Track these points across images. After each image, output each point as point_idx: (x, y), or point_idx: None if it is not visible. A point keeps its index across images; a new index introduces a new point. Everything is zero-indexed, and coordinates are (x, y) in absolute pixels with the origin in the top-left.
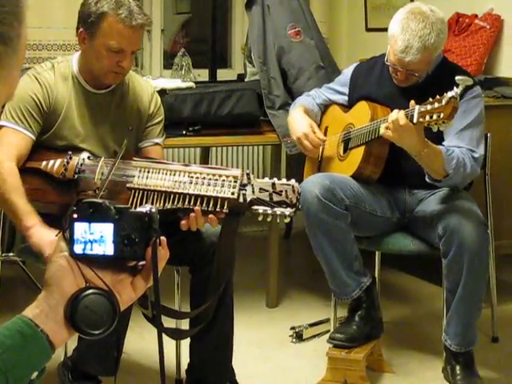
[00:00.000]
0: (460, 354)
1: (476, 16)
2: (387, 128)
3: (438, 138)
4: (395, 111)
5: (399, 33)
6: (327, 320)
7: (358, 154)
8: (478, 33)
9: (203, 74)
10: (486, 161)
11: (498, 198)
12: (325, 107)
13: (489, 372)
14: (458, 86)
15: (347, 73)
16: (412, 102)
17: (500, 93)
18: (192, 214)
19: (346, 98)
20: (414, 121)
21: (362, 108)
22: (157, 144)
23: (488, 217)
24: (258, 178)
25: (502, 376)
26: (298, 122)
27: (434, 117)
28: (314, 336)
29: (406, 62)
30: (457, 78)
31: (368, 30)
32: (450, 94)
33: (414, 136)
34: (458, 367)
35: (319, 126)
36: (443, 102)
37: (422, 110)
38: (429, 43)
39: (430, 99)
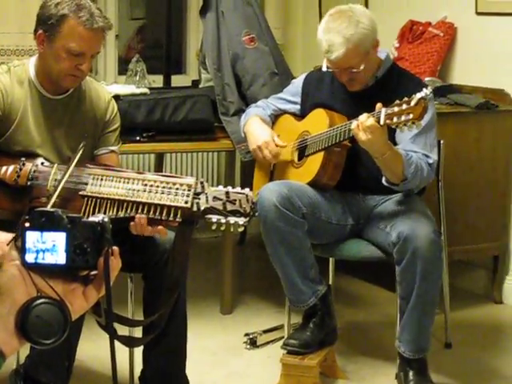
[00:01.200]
0: (413, 361)
1: (430, 24)
2: (358, 130)
3: (391, 142)
4: (364, 114)
5: (322, 35)
6: (281, 326)
7: (315, 161)
8: (432, 40)
9: (158, 80)
10: (439, 167)
11: (451, 204)
12: (275, 117)
13: (442, 378)
14: (426, 87)
15: (298, 82)
16: (379, 105)
17: (453, 100)
18: (136, 221)
19: (299, 107)
20: (381, 122)
21: (319, 115)
22: (112, 152)
23: (441, 223)
24: (212, 184)
25: (455, 382)
26: (259, 131)
27: (403, 118)
28: (268, 342)
29: (334, 60)
30: (426, 79)
31: None
32: (419, 95)
33: (380, 138)
34: (411, 373)
35: None
36: (412, 103)
37: (389, 111)
38: (348, 35)
39: (397, 101)
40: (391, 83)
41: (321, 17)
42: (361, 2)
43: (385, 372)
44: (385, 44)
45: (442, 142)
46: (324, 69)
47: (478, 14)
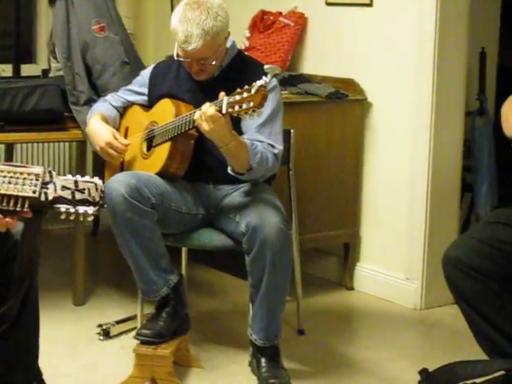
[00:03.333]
0: (265, 348)
1: (280, 14)
2: (201, 120)
3: (236, 132)
4: (206, 104)
5: (178, 25)
6: (134, 317)
7: (163, 151)
8: (283, 30)
9: (7, 70)
10: (289, 156)
11: (303, 192)
12: (124, 109)
13: (295, 364)
14: (266, 74)
15: (145, 73)
16: (221, 94)
17: (304, 89)
18: None
19: (146, 98)
20: (223, 111)
21: (165, 105)
22: None
23: (292, 212)
24: (64, 175)
25: (307, 367)
26: (99, 131)
27: (244, 106)
28: (122, 333)
29: (190, 52)
30: (265, 66)
31: None
32: (259, 82)
33: (223, 127)
34: (263, 360)
35: (119, 128)
36: (252, 91)
37: (231, 100)
38: (207, 27)
39: (239, 89)
40: (236, 71)
41: (172, 6)
42: None
43: (238, 360)
44: (236, 33)
45: (292, 131)
46: (175, 57)
47: (328, 4)
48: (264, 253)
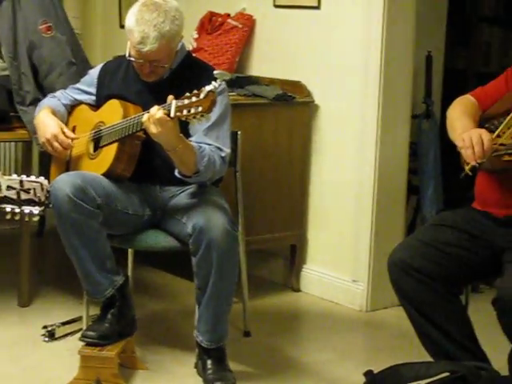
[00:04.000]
0: (211, 350)
1: (229, 15)
2: (149, 123)
3: (184, 134)
4: (154, 107)
5: (134, 25)
6: (80, 318)
7: (110, 151)
8: (231, 32)
9: None
10: (236, 158)
11: (249, 194)
12: (72, 107)
13: (241, 366)
14: (215, 79)
15: (94, 73)
16: (170, 97)
17: (251, 91)
18: None
19: (94, 97)
20: (172, 115)
21: (113, 106)
22: None
23: (238, 214)
24: (8, 175)
25: (253, 369)
26: (46, 123)
27: (192, 110)
28: (67, 335)
29: (145, 53)
30: (215, 72)
31: (122, 26)
32: (208, 87)
33: (171, 131)
34: (209, 362)
35: (66, 126)
36: (201, 96)
37: (179, 104)
38: (164, 31)
39: (187, 93)
40: (185, 74)
41: (120, 6)
42: None
43: (184, 362)
44: (184, 35)
45: (239, 132)
46: (127, 57)
47: (276, 6)
48: (210, 254)
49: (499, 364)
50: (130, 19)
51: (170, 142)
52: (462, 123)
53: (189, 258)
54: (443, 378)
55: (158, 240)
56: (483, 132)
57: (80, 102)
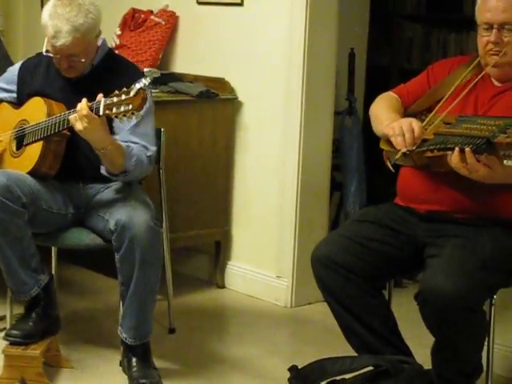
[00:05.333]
0: (136, 347)
1: (151, 12)
2: (75, 120)
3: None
4: (82, 102)
5: (48, 19)
6: (3, 317)
7: (34, 150)
8: (154, 29)
9: None
10: (160, 155)
11: (174, 191)
12: None
13: (166, 363)
14: (146, 77)
15: (14, 70)
16: (99, 95)
17: (174, 88)
18: None
19: (15, 95)
20: (100, 113)
21: (37, 104)
22: None
23: (162, 211)
24: None
25: (178, 366)
26: None
27: (122, 108)
28: None
29: (59, 47)
30: (145, 69)
31: None
32: (138, 85)
33: (99, 128)
34: (134, 359)
35: None
36: (131, 94)
37: (108, 102)
38: (78, 24)
39: (117, 91)
40: (107, 70)
41: (42, 3)
42: None
43: (109, 359)
44: (106, 31)
45: (162, 130)
46: (44, 53)
47: (199, 3)
48: (133, 250)
49: (422, 358)
50: (45, 14)
51: (98, 139)
52: (388, 116)
53: (113, 256)
54: (367, 371)
55: (82, 238)
56: (413, 120)
57: (0, 100)
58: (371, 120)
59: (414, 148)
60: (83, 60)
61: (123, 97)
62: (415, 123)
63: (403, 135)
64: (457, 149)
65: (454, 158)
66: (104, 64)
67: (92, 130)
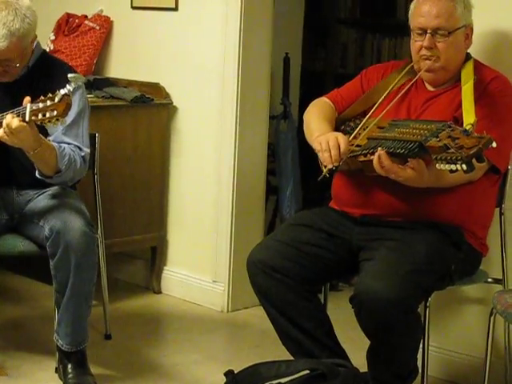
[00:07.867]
0: (72, 353)
1: (86, 17)
2: (4, 134)
3: (42, 133)
4: (9, 115)
5: None
6: None
7: None
8: (88, 33)
9: None
10: (94, 161)
11: (109, 197)
12: None
13: (102, 369)
14: (70, 83)
15: None
16: (26, 99)
17: (109, 93)
18: None
19: None
20: (27, 119)
21: None
22: None
23: (98, 217)
24: None
25: (115, 372)
26: None
27: (48, 115)
28: None
29: None
30: (69, 75)
31: None
32: (62, 91)
33: (29, 135)
34: (69, 366)
35: None
36: (56, 100)
37: (34, 108)
38: (14, 29)
39: (42, 97)
40: (41, 73)
41: None
42: None
43: (45, 366)
44: (40, 36)
45: (97, 135)
46: None
47: (134, 8)
48: (68, 256)
49: (358, 361)
50: None
51: (28, 145)
52: (318, 126)
53: (48, 262)
54: (303, 375)
55: (16, 244)
56: (339, 135)
57: None
58: (304, 128)
59: (340, 164)
60: (18, 65)
61: (48, 103)
62: (341, 138)
63: (329, 151)
64: (377, 152)
65: (374, 162)
66: (38, 66)
67: (23, 139)
